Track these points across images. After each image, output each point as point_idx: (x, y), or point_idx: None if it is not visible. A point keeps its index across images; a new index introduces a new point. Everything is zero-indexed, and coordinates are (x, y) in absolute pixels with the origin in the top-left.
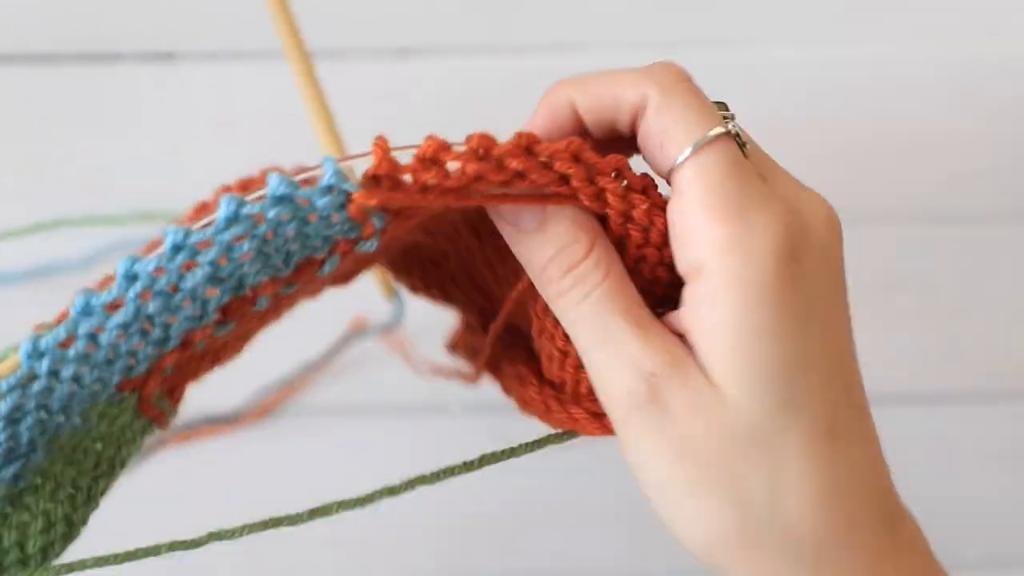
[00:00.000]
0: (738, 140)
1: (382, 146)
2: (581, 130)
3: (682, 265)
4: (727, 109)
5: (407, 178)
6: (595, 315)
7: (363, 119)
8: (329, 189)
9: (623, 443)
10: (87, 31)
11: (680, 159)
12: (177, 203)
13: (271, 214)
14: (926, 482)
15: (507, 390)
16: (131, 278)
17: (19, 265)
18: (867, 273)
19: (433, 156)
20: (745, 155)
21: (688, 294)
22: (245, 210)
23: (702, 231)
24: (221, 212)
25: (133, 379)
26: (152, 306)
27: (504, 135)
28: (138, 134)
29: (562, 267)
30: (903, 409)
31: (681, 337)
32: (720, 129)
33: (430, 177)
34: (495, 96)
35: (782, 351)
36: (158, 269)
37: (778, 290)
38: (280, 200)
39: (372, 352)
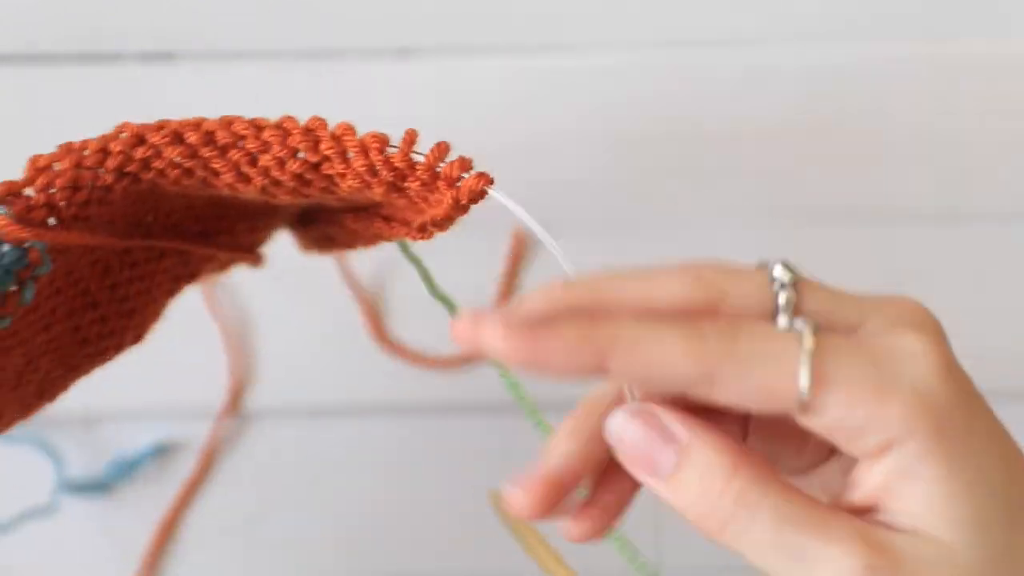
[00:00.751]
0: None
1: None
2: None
3: (869, 454)
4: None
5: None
6: (770, 535)
7: (363, 119)
8: None
9: None
10: (87, 31)
11: (803, 388)
12: None
13: None
14: None
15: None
16: None
17: None
18: (867, 273)
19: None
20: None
21: (878, 469)
22: None
23: (882, 416)
24: None
25: None
26: None
27: (504, 135)
28: None
29: (712, 498)
30: None
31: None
32: (807, 333)
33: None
34: (495, 96)
35: (986, 474)
36: None
37: (964, 416)
38: None
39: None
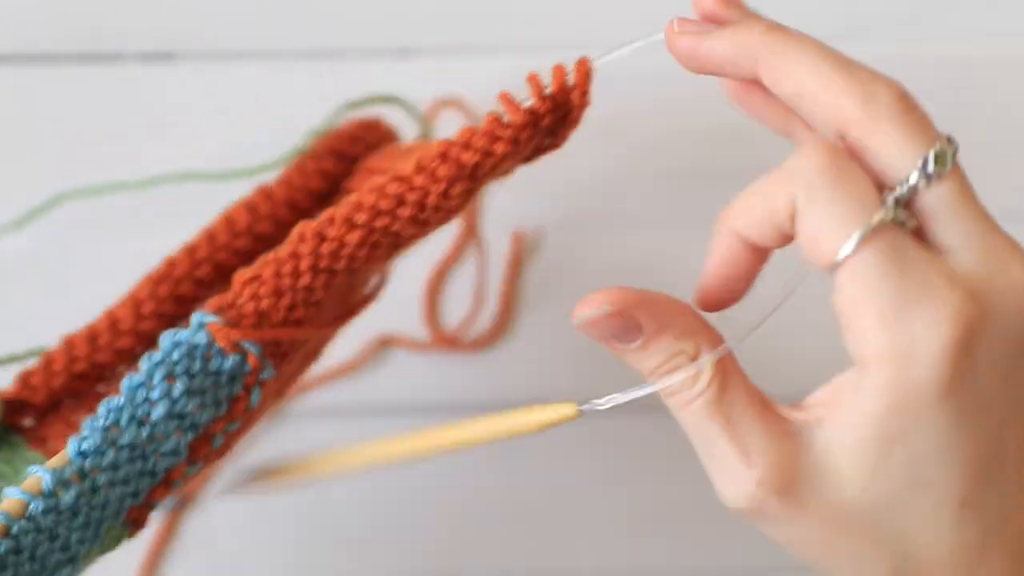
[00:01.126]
0: (901, 223)
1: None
2: (761, 258)
3: (851, 352)
4: (947, 141)
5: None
6: (696, 424)
7: (363, 118)
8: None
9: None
10: (86, 31)
11: (839, 258)
12: (176, 203)
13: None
14: None
15: None
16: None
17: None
18: None
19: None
20: (916, 232)
21: (842, 379)
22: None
23: (863, 337)
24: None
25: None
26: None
27: None
28: (137, 134)
29: (663, 375)
30: None
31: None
32: (875, 219)
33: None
34: (494, 96)
35: (920, 445)
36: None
37: (936, 394)
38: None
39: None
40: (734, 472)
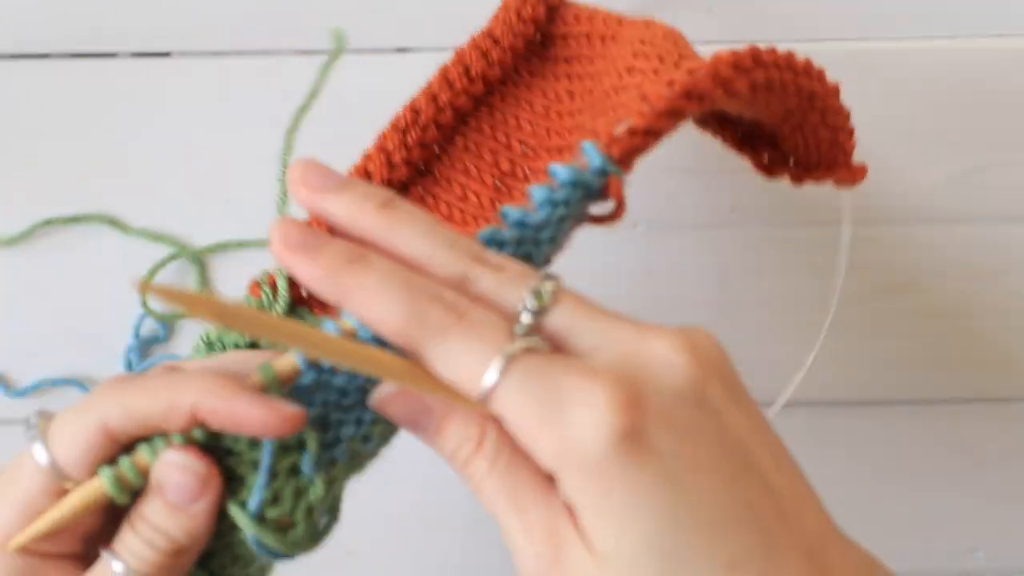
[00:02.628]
0: (535, 348)
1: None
2: None
3: (544, 468)
4: (544, 279)
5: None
6: (488, 499)
7: (363, 119)
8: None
9: None
10: (83, 30)
11: (484, 391)
12: (175, 203)
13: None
14: (925, 482)
15: None
16: None
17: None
18: (867, 273)
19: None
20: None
21: (558, 489)
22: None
23: (536, 449)
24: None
25: None
26: None
27: None
28: (135, 133)
29: (458, 460)
30: (903, 409)
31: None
32: (508, 349)
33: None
34: None
35: (646, 524)
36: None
37: (621, 468)
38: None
39: None
40: (521, 548)
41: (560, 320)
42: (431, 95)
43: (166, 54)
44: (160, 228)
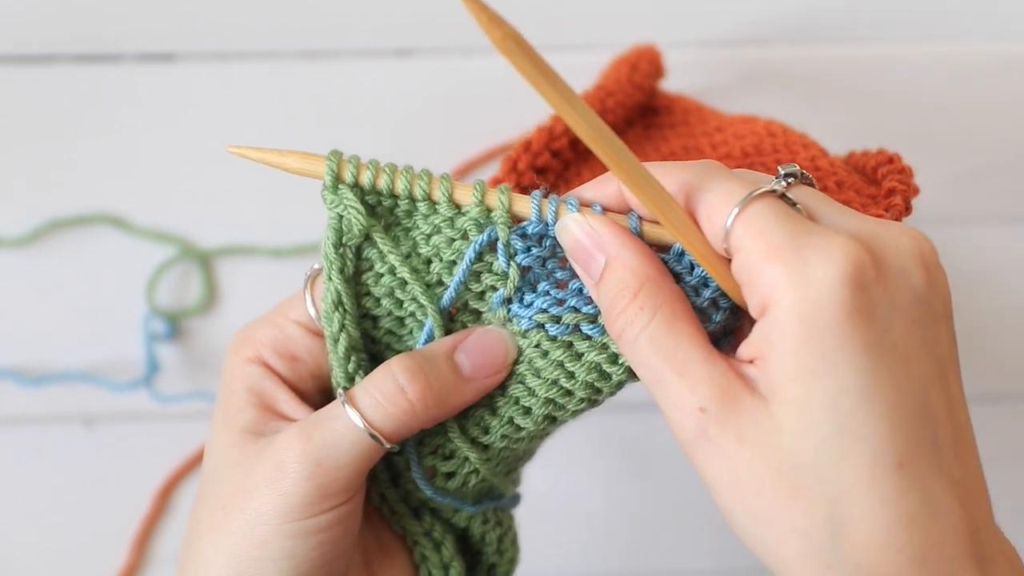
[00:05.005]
0: (785, 197)
1: None
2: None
3: (755, 311)
4: (798, 176)
5: None
6: (643, 356)
7: (363, 119)
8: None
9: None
10: (87, 32)
11: (728, 223)
12: (176, 202)
13: None
14: None
15: None
16: None
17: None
18: None
19: None
20: (797, 208)
21: (756, 329)
22: None
23: (762, 275)
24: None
25: None
26: None
27: (503, 135)
28: (138, 134)
29: (614, 311)
30: None
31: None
32: (761, 189)
33: None
34: (495, 96)
35: (840, 380)
36: None
37: (839, 320)
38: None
39: None
40: (679, 400)
41: (806, 196)
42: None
43: (170, 56)
44: (165, 228)
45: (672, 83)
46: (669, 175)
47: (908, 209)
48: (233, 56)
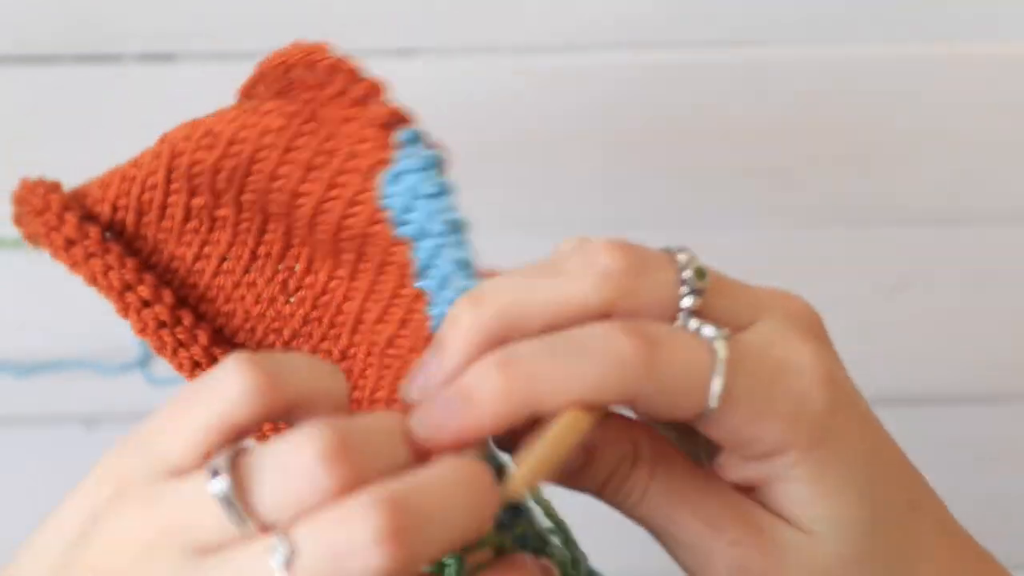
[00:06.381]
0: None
1: None
2: None
3: (743, 454)
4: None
5: None
6: (656, 516)
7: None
8: None
9: None
10: (87, 31)
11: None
12: None
13: None
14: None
15: None
16: None
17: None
18: (867, 273)
19: None
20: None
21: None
22: None
23: (763, 432)
24: None
25: None
26: None
27: (503, 135)
28: (139, 135)
29: (615, 483)
30: (903, 409)
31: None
32: (718, 364)
33: None
34: (495, 96)
35: (852, 472)
36: None
37: (839, 433)
38: None
39: None
40: (705, 544)
41: (718, 305)
42: None
43: (170, 56)
44: None
45: (671, 88)
46: (609, 384)
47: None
48: (233, 56)
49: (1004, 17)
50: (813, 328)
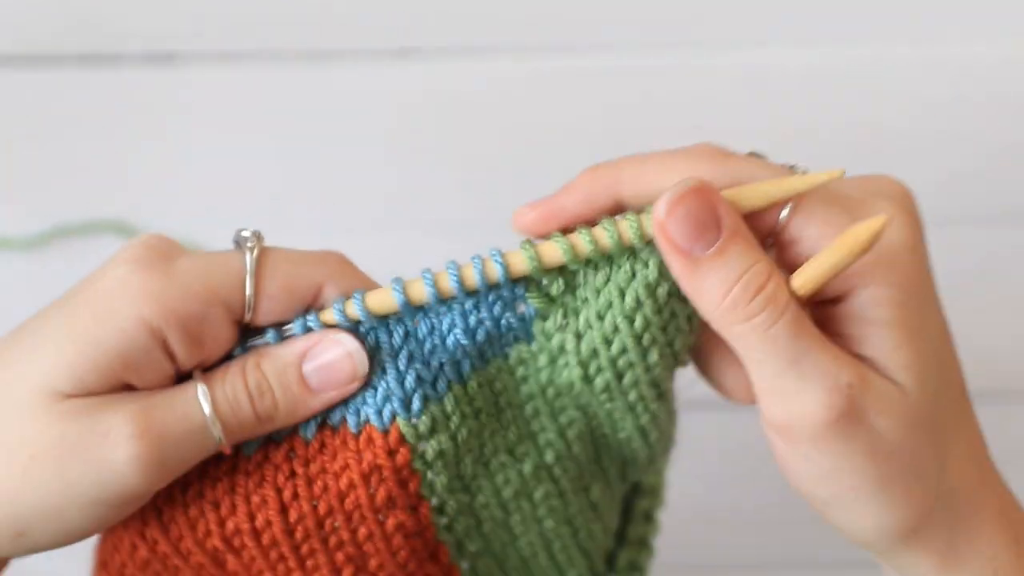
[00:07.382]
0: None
1: None
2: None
3: (831, 291)
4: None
5: None
6: (790, 335)
7: (363, 119)
8: None
9: (799, 460)
10: (89, 32)
11: (784, 215)
12: (178, 203)
13: None
14: None
15: None
16: None
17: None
18: None
19: None
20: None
21: (845, 311)
22: None
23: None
24: None
25: None
26: None
27: (503, 135)
28: (140, 135)
29: (750, 290)
30: None
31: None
32: (800, 178)
33: None
34: (495, 96)
35: (933, 329)
36: None
37: (922, 274)
38: None
39: None
40: (827, 378)
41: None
42: None
43: (170, 57)
44: (171, 232)
45: (670, 88)
46: (676, 172)
47: None
48: (233, 56)
49: (1004, 17)
50: (905, 200)
